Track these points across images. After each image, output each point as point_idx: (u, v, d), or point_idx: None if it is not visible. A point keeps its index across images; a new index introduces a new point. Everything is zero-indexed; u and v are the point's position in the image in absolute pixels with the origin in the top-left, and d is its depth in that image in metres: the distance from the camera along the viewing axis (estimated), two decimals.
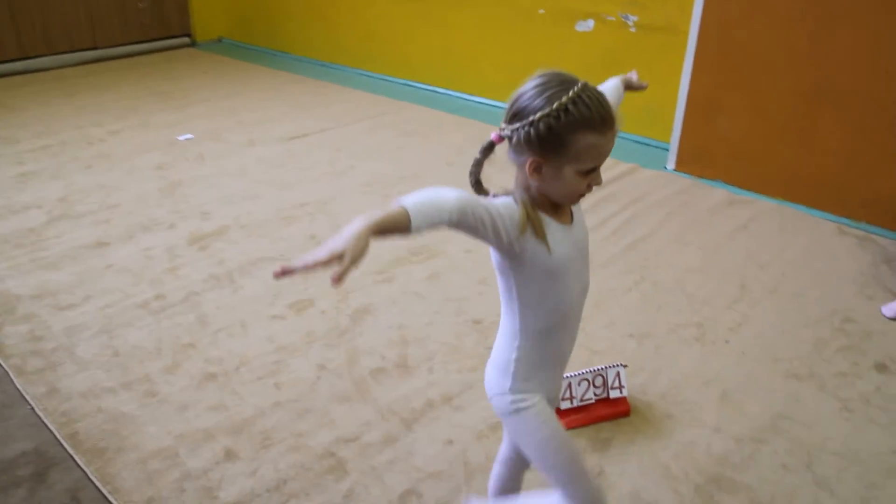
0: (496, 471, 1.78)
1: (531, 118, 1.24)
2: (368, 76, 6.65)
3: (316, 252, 1.06)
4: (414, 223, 1.13)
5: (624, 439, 2.26)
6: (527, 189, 1.34)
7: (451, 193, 1.18)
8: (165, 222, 3.70)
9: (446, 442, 2.25)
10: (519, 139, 1.26)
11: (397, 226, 1.12)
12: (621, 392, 2.35)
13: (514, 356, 1.43)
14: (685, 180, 4.27)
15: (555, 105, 1.22)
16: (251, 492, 2.06)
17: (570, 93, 1.23)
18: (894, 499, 2.05)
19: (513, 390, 1.44)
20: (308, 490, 2.07)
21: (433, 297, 3.03)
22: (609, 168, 4.39)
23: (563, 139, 1.24)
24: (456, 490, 2.07)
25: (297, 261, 1.06)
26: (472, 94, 5.95)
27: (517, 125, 1.26)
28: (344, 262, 1.04)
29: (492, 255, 1.38)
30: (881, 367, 2.62)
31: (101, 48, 7.06)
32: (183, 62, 7.11)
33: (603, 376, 2.33)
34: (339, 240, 1.06)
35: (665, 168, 4.47)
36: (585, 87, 1.25)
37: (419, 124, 5.27)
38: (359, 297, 3.03)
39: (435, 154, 4.59)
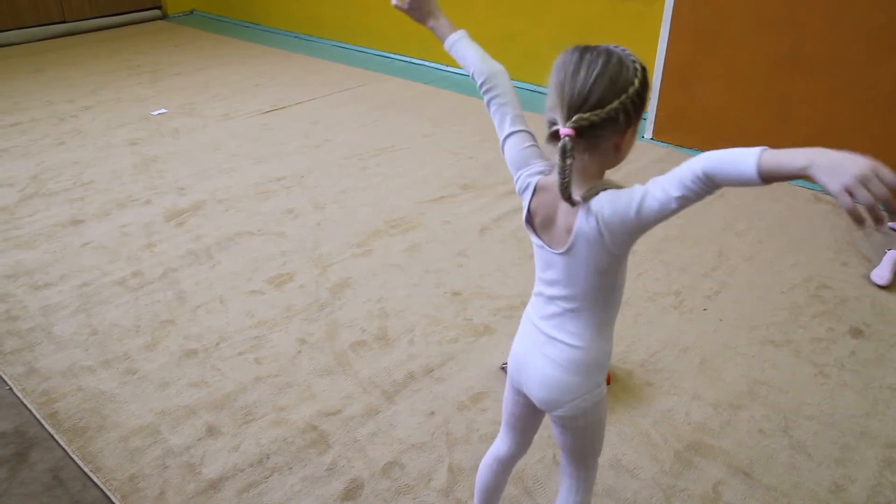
0: (497, 470, 1.67)
1: (634, 87, 1.19)
2: (343, 48, 6.57)
3: None
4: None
5: None
6: (601, 171, 1.27)
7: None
8: (141, 198, 3.66)
9: (428, 413, 2.27)
10: (626, 112, 1.19)
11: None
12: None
13: (608, 349, 1.39)
14: (662, 149, 4.29)
15: (634, 67, 1.20)
16: (234, 467, 2.06)
17: (627, 52, 1.22)
18: (868, 459, 2.10)
19: (600, 382, 1.40)
20: (291, 464, 2.07)
21: (412, 269, 3.03)
22: None
23: (644, 98, 1.23)
24: (438, 461, 2.08)
25: None
26: (447, 65, 5.91)
27: (617, 102, 1.17)
28: None
29: (607, 253, 1.26)
30: (856, 333, 2.66)
31: (70, 21, 6.92)
32: (155, 35, 6.99)
33: None
34: None
35: (642, 137, 4.48)
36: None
37: (395, 96, 5.23)
38: (338, 270, 3.02)
39: (412, 126, 4.56)
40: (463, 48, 1.49)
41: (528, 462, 2.06)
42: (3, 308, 2.76)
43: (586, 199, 1.22)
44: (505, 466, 1.67)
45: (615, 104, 1.17)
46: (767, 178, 1.05)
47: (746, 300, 2.85)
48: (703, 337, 2.63)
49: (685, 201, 1.14)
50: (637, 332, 2.64)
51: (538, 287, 1.40)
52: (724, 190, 3.71)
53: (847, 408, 2.30)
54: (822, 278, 2.98)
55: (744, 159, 1.06)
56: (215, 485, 2.00)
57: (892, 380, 2.42)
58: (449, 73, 5.82)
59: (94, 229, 3.35)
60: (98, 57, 6.22)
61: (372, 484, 2.01)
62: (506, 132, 1.40)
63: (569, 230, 1.26)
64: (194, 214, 3.50)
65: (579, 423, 1.43)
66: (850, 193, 0.98)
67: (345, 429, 2.20)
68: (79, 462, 2.07)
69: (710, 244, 3.23)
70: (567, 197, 1.20)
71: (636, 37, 4.57)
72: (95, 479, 2.01)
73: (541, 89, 5.32)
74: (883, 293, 2.88)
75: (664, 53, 4.22)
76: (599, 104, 1.17)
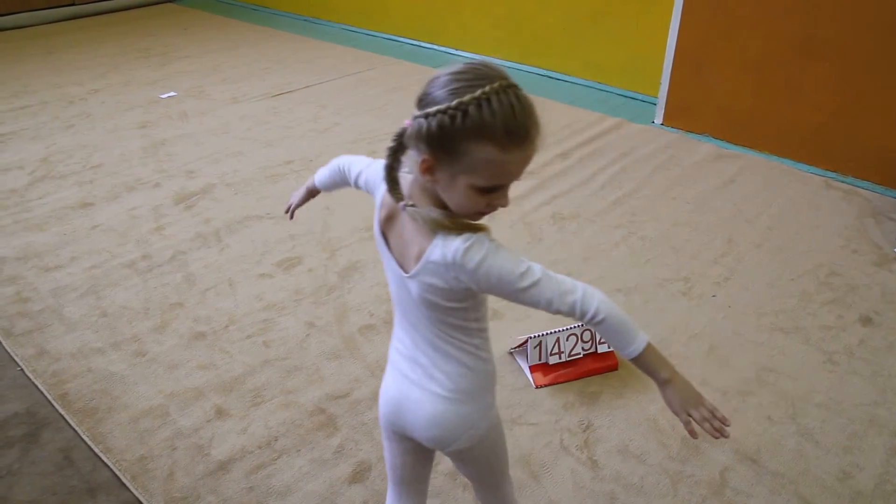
0: None
1: (427, 110, 1.04)
2: (352, 31, 6.55)
3: None
4: None
5: (612, 393, 2.29)
6: (432, 196, 1.14)
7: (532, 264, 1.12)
8: (150, 181, 3.67)
9: None
10: (414, 130, 1.06)
11: None
12: (609, 346, 2.37)
13: (492, 366, 1.30)
14: (673, 134, 4.26)
15: (454, 102, 1.01)
16: (242, 449, 2.07)
17: (478, 92, 1.01)
18: (876, 448, 2.10)
19: (491, 403, 1.32)
20: (299, 446, 2.09)
21: None
22: (597, 123, 4.37)
23: (457, 145, 1.03)
24: None
25: None
26: (456, 48, 5.88)
27: (416, 114, 1.06)
28: None
29: (463, 288, 1.14)
30: (865, 320, 2.65)
31: (80, 4, 6.91)
32: (164, 18, 6.97)
33: (591, 331, 2.34)
34: None
35: (653, 122, 4.45)
36: (503, 89, 1.02)
37: (404, 80, 5.21)
38: (346, 254, 3.02)
39: None
40: (329, 174, 1.62)
41: (535, 447, 2.07)
42: (14, 290, 2.78)
43: (432, 226, 1.11)
44: None
45: (415, 113, 1.06)
46: (636, 364, 1.19)
47: (756, 287, 2.84)
48: (711, 323, 2.63)
49: (565, 316, 1.16)
50: (646, 318, 2.64)
51: (398, 315, 1.29)
52: (733, 175, 3.72)
53: (856, 396, 2.29)
54: (833, 265, 2.97)
55: (627, 344, 1.16)
56: (224, 466, 2.02)
57: None
58: (458, 57, 5.79)
59: (103, 212, 3.36)
60: (107, 40, 6.22)
61: (379, 467, 2.02)
62: (359, 169, 1.45)
63: (418, 251, 1.14)
64: (203, 198, 3.50)
65: (477, 453, 1.32)
66: (691, 416, 1.17)
67: (353, 412, 2.21)
68: (89, 443, 2.09)
69: (720, 230, 3.22)
70: (389, 188, 1.17)
71: (648, 20, 4.54)
72: (106, 460, 2.03)
73: (550, 73, 5.30)
74: (893, 281, 2.86)
75: (676, 37, 4.18)
76: (426, 106, 1.06)
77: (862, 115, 3.66)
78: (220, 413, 2.20)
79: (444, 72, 1.06)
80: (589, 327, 1.16)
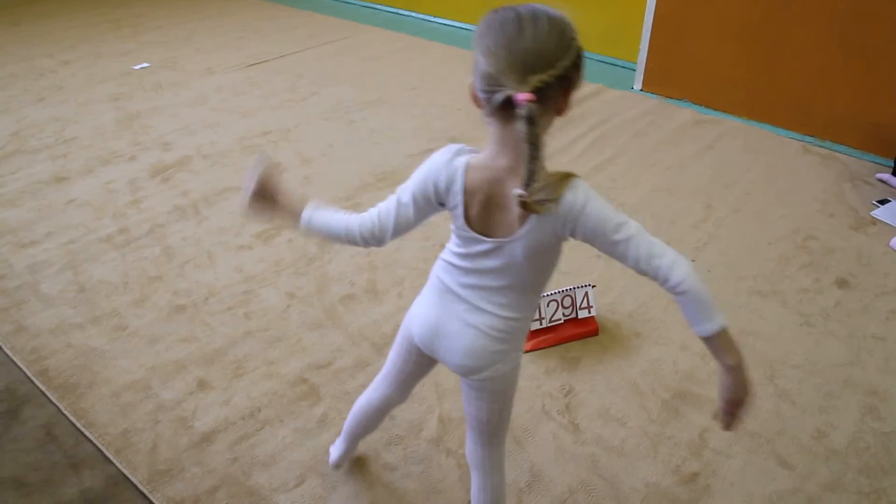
0: (375, 417, 1.73)
1: (576, 41, 1.11)
2: None
3: None
4: None
5: (593, 358, 2.31)
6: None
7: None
8: (125, 154, 3.62)
9: None
10: (577, 68, 1.12)
11: None
12: (590, 312, 2.38)
13: (532, 315, 1.36)
14: (652, 100, 4.26)
15: (568, 21, 1.12)
16: (225, 420, 2.08)
17: (558, 13, 1.13)
18: (850, 407, 2.14)
19: (521, 346, 1.37)
20: (282, 416, 2.09)
21: None
22: None
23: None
24: (428, 411, 2.10)
25: None
26: (434, 16, 5.82)
27: (569, 59, 1.10)
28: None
29: (559, 239, 1.21)
30: (842, 283, 2.68)
31: None
32: None
33: (571, 297, 2.36)
34: None
35: (632, 88, 4.45)
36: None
37: (381, 48, 5.15)
38: None
39: (398, 79, 4.50)
40: (324, 216, 1.45)
41: (517, 412, 2.08)
42: None
43: (555, 198, 1.12)
44: (385, 413, 1.71)
45: (566, 61, 1.09)
46: (706, 343, 1.20)
47: (734, 251, 2.86)
48: None
49: (648, 278, 1.18)
50: (625, 284, 2.66)
51: (458, 261, 1.29)
52: (712, 140, 3.73)
53: (832, 357, 2.33)
54: (810, 229, 3.00)
55: (704, 321, 1.16)
56: (208, 438, 2.02)
57: (876, 329, 2.46)
58: (436, 25, 5.74)
59: (78, 186, 3.32)
60: (77, 9, 6.09)
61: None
62: (402, 216, 1.40)
63: (520, 213, 1.16)
64: (180, 170, 3.46)
65: (497, 386, 1.37)
66: (734, 405, 1.27)
67: (335, 381, 2.22)
68: (71, 418, 2.08)
69: (699, 196, 3.24)
70: (529, 180, 1.07)
71: None
72: (88, 434, 2.02)
73: None
74: (868, 244, 2.90)
75: (655, 2, 4.17)
76: (554, 62, 1.07)
77: (840, 81, 3.67)
78: (203, 385, 2.20)
79: (543, 19, 1.09)
80: (672, 294, 1.16)
